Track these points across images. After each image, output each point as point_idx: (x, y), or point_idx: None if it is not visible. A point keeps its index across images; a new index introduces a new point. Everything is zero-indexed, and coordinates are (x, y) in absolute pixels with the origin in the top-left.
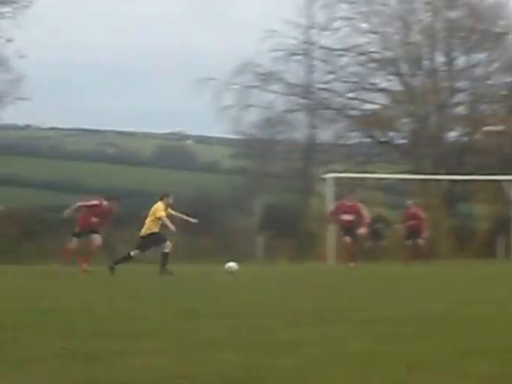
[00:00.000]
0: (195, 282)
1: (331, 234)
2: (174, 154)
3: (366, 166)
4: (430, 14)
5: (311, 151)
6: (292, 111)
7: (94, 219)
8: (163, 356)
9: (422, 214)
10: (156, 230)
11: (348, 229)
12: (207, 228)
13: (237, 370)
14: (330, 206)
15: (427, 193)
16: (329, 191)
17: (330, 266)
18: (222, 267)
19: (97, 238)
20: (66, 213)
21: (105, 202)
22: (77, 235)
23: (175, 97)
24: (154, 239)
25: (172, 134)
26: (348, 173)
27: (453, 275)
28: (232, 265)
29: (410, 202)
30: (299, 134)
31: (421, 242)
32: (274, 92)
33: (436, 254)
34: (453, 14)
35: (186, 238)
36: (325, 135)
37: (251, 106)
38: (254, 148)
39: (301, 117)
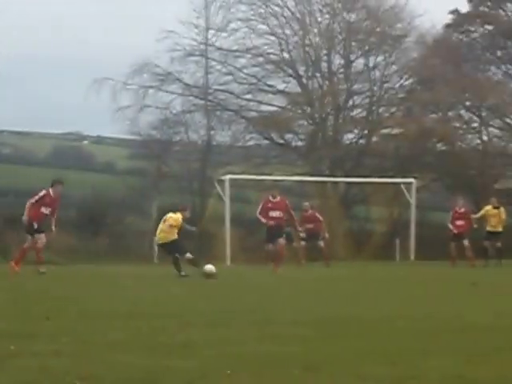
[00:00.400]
0: (93, 282)
1: (228, 235)
2: (70, 154)
3: (264, 167)
4: (328, 16)
5: (209, 152)
6: (189, 112)
7: (46, 210)
8: (62, 357)
9: (320, 216)
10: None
11: (278, 226)
12: (103, 229)
13: (135, 371)
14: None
15: (324, 195)
16: (226, 192)
17: (228, 267)
18: (118, 268)
19: (42, 238)
20: (24, 219)
21: (51, 190)
22: (36, 231)
23: (72, 96)
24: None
25: (69, 134)
26: (245, 174)
27: (351, 277)
28: (210, 267)
29: (306, 204)
30: (197, 135)
31: (321, 244)
32: (171, 92)
33: (334, 255)
34: (351, 17)
35: (83, 238)
36: (222, 136)
37: (148, 106)
38: (151, 149)
39: (198, 118)
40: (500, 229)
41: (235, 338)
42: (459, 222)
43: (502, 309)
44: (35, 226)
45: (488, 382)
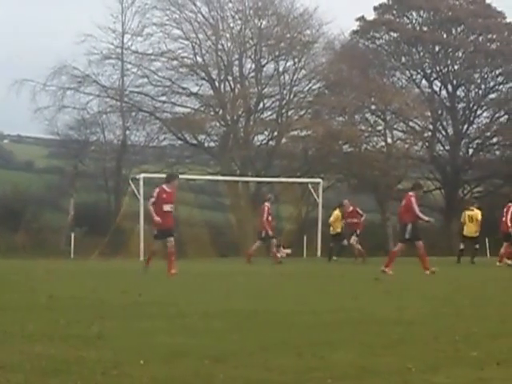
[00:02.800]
0: (12, 276)
1: (142, 231)
2: None
3: (177, 167)
4: (240, 22)
5: (124, 152)
6: (106, 113)
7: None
8: None
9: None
10: None
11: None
12: (22, 225)
13: (51, 361)
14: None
15: (236, 194)
16: (140, 191)
17: (141, 262)
18: (36, 262)
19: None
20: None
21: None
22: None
23: None
24: None
25: None
26: (159, 173)
27: (261, 272)
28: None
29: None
30: (112, 135)
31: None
32: (88, 94)
33: (244, 252)
34: (262, 23)
35: (2, 234)
36: (137, 137)
37: (67, 107)
38: (69, 148)
39: (114, 119)
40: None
41: (147, 330)
42: (350, 220)
43: (404, 303)
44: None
45: (390, 373)
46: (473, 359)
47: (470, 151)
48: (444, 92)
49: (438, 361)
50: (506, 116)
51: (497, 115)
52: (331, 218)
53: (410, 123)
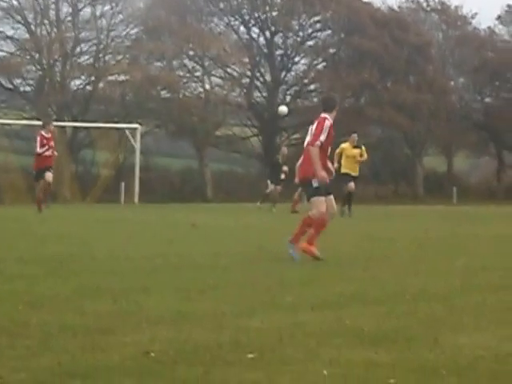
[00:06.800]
0: None
1: None
2: None
3: None
4: None
5: None
6: None
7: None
8: None
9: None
10: None
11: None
12: None
13: None
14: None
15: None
16: None
17: None
18: None
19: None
20: None
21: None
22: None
23: None
24: None
25: None
26: None
27: (77, 219)
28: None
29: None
30: None
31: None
32: None
33: (60, 198)
34: None
35: None
36: None
37: None
38: None
39: None
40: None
41: None
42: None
43: (220, 249)
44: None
45: (205, 317)
46: (287, 304)
47: (288, 98)
48: (262, 39)
49: (253, 306)
50: (324, 63)
51: (314, 62)
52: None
53: (228, 69)
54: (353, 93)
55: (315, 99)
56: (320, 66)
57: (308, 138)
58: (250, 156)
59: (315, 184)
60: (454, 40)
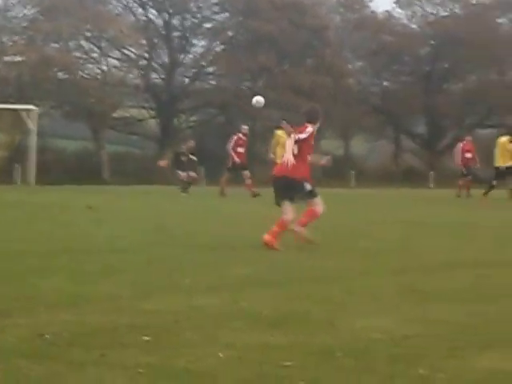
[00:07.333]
0: None
1: None
2: None
3: None
4: None
5: None
6: None
7: None
8: None
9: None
10: None
11: None
12: None
13: None
14: None
15: None
16: None
17: None
18: None
19: None
20: None
21: None
22: None
23: None
24: None
25: None
26: None
27: None
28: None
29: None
30: None
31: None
32: None
33: None
34: None
35: None
36: None
37: None
38: None
39: None
40: None
41: None
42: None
43: (117, 232)
44: None
45: (102, 299)
46: (185, 287)
47: (186, 80)
48: (160, 20)
49: (150, 289)
50: (222, 46)
51: (213, 45)
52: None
53: (126, 51)
54: (250, 76)
55: (213, 82)
56: (218, 49)
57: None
58: (147, 138)
59: (308, 187)
60: (352, 23)
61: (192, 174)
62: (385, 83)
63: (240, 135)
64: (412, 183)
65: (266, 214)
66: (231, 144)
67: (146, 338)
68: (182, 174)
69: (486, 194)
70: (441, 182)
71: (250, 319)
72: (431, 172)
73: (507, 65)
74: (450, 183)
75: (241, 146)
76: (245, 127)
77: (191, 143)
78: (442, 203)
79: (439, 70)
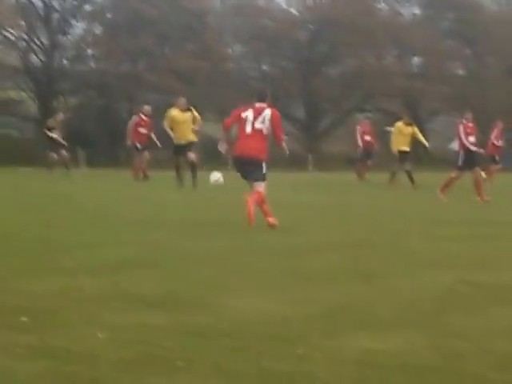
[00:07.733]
0: None
1: None
2: None
3: None
4: None
5: None
6: None
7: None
8: None
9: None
10: None
11: None
12: None
13: None
14: None
15: None
16: None
17: None
18: None
19: None
20: None
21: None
22: None
23: None
24: None
25: None
26: None
27: None
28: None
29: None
30: None
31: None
32: None
33: None
34: None
35: None
36: None
37: None
38: None
39: None
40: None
41: None
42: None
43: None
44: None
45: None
46: (66, 268)
47: (65, 62)
48: (39, 2)
49: (32, 269)
50: (102, 28)
51: (92, 27)
52: None
53: (5, 33)
54: (130, 58)
55: (92, 64)
56: (98, 31)
57: (261, 126)
58: (25, 120)
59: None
60: (232, 8)
61: (63, 153)
62: (264, 67)
63: (142, 115)
64: (291, 167)
65: (152, 196)
66: (132, 124)
67: (24, 319)
68: (52, 155)
69: (391, 180)
70: (319, 165)
71: (128, 300)
72: (310, 155)
73: (385, 50)
74: (328, 166)
75: (142, 126)
76: (146, 107)
77: (60, 116)
78: (321, 186)
79: (318, 54)
